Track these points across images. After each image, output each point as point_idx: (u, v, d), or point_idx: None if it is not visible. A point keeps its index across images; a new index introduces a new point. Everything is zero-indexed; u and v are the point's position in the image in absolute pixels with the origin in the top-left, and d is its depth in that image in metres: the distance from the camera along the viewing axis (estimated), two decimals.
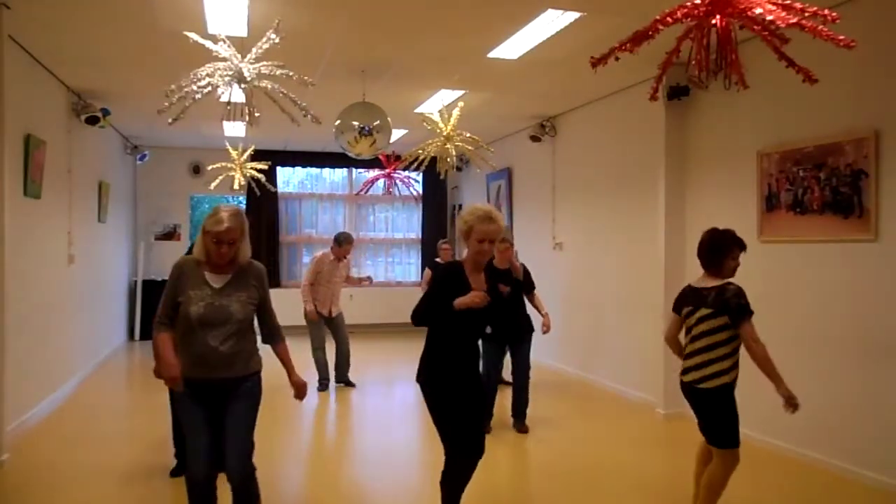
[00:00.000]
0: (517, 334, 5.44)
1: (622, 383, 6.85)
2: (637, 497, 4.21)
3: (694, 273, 5.91)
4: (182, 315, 2.97)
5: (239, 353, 3.00)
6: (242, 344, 3.02)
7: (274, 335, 3.19)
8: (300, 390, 3.19)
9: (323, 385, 6.97)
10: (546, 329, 5.43)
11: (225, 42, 4.15)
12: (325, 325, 7.02)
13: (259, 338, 3.18)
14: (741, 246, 3.57)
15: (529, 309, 5.59)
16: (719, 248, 3.56)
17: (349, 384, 7.19)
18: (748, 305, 3.35)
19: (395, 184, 8.59)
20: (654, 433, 5.63)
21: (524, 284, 5.49)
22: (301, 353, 9.63)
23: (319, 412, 6.46)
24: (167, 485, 4.27)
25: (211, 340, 2.93)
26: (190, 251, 3.23)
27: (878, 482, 4.16)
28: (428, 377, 3.29)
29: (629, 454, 4.96)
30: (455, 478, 3.32)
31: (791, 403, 3.27)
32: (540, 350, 8.29)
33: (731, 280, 3.49)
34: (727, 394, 3.41)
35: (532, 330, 5.54)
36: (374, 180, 8.75)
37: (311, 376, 6.57)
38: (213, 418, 2.99)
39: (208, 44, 4.06)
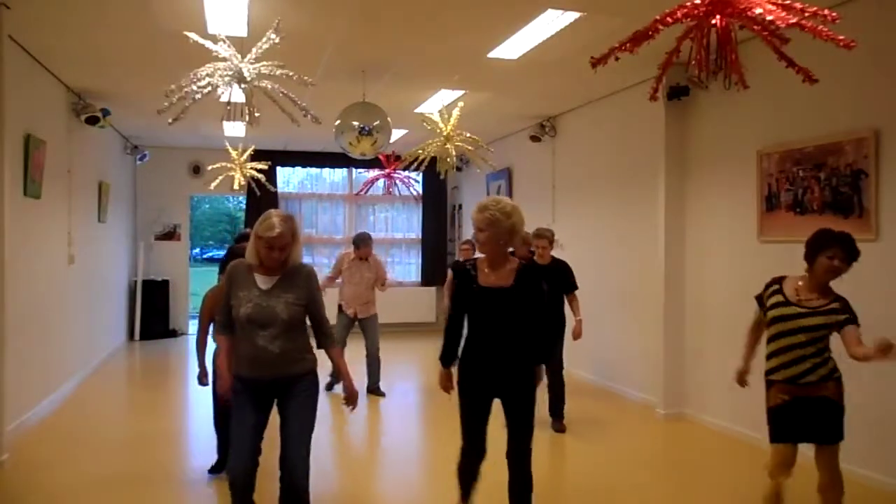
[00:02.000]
0: (551, 331, 5.30)
1: (622, 383, 6.86)
2: (637, 496, 4.22)
3: (694, 273, 5.93)
4: (234, 317, 3.07)
5: (289, 352, 3.05)
6: (293, 343, 3.07)
7: (324, 338, 3.21)
8: (352, 398, 3.20)
9: (329, 385, 6.81)
10: (575, 335, 5.44)
11: (225, 42, 4.14)
12: (352, 326, 6.88)
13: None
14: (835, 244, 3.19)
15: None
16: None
17: (378, 393, 6.85)
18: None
19: (395, 184, 8.58)
20: (654, 433, 5.63)
21: (563, 284, 5.48)
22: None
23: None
24: (167, 484, 4.28)
25: (260, 340, 3.01)
26: (231, 255, 3.28)
27: (878, 482, 4.16)
28: (458, 371, 3.32)
29: (629, 454, 4.96)
30: (461, 471, 3.36)
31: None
32: None
33: None
34: None
35: (562, 330, 5.51)
36: (374, 180, 8.75)
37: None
38: (263, 419, 3.10)
39: (208, 44, 4.06)
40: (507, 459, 3.21)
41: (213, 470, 4.43)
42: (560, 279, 5.47)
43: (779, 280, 3.35)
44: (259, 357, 3.02)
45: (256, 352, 3.01)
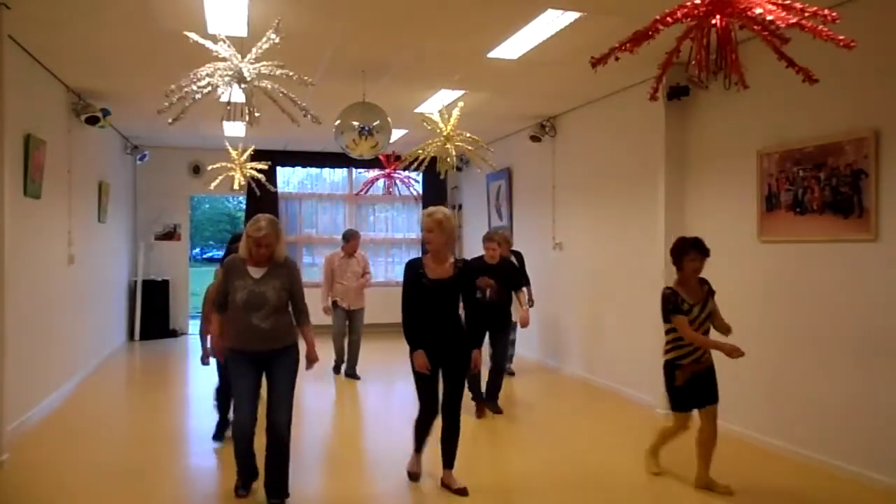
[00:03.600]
0: (496, 324, 5.86)
1: (622, 383, 6.85)
2: (636, 496, 4.21)
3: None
4: (231, 302, 3.79)
5: (277, 329, 3.79)
6: (280, 321, 3.81)
7: (300, 317, 3.93)
8: (310, 362, 3.96)
9: (336, 368, 7.71)
10: (521, 323, 5.99)
11: (225, 42, 4.15)
12: (347, 317, 7.65)
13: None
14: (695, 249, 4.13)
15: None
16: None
17: (354, 377, 7.60)
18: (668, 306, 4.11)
19: (395, 184, 8.59)
20: (654, 433, 5.62)
21: (508, 281, 5.91)
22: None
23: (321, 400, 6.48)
24: (167, 484, 4.28)
25: (254, 320, 3.73)
26: (228, 254, 4.32)
27: (878, 482, 4.16)
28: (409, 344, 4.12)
29: (629, 454, 4.95)
30: (418, 427, 4.22)
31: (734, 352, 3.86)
32: (540, 350, 8.33)
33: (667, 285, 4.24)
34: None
35: (508, 321, 5.96)
36: (374, 180, 8.75)
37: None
38: (258, 380, 3.87)
39: (208, 44, 4.06)
40: (442, 412, 4.11)
41: (216, 437, 5.12)
42: (505, 277, 5.90)
43: (675, 289, 4.14)
44: (254, 334, 3.74)
45: (252, 329, 3.73)
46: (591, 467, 4.70)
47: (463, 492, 4.05)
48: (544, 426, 5.84)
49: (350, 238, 7.70)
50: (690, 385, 4.11)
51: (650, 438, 4.59)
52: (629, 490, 4.31)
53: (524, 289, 5.99)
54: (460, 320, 4.20)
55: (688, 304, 4.07)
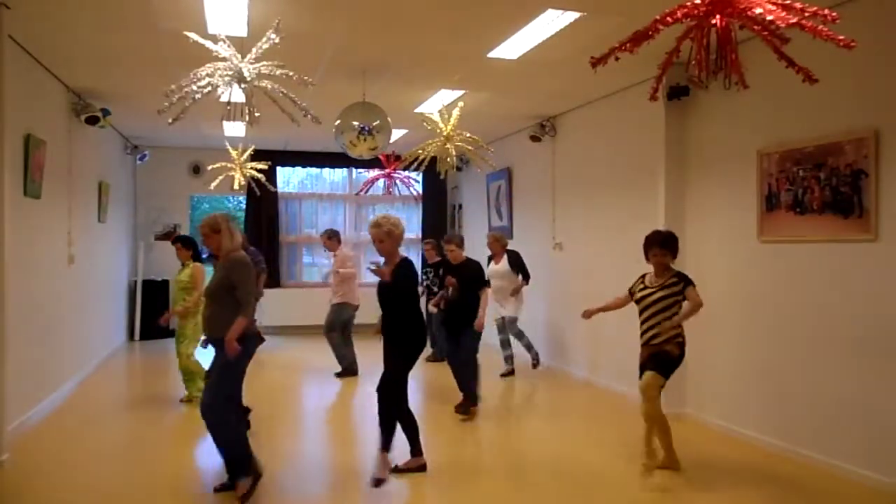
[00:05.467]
0: (458, 320, 6.13)
1: (623, 384, 6.84)
2: (635, 495, 4.22)
3: (694, 273, 5.92)
4: None
5: (211, 319, 4.09)
6: (213, 312, 4.08)
7: (239, 307, 4.02)
8: (228, 346, 3.95)
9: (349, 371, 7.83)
10: (475, 326, 6.09)
11: (225, 42, 4.15)
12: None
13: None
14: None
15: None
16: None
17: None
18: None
19: (395, 184, 8.59)
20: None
21: (470, 281, 6.14)
22: (305, 351, 9.56)
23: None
24: (166, 484, 4.28)
25: (206, 309, 4.16)
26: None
27: (878, 482, 4.16)
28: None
29: (629, 453, 4.95)
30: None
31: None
32: (540, 350, 8.31)
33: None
34: None
35: (471, 321, 6.07)
36: (374, 180, 8.75)
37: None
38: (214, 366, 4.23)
39: (208, 44, 4.06)
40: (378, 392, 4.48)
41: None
42: (467, 277, 6.16)
43: (643, 276, 4.65)
44: (205, 321, 4.14)
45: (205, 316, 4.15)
46: (590, 466, 4.70)
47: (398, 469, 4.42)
48: (543, 426, 5.84)
49: (334, 236, 8.09)
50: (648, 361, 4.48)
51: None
52: (628, 491, 4.31)
53: (486, 290, 6.22)
54: (406, 318, 4.45)
55: (643, 285, 4.55)
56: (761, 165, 5.07)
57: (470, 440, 5.52)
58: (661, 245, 4.52)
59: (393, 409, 4.45)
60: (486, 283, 6.33)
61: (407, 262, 4.49)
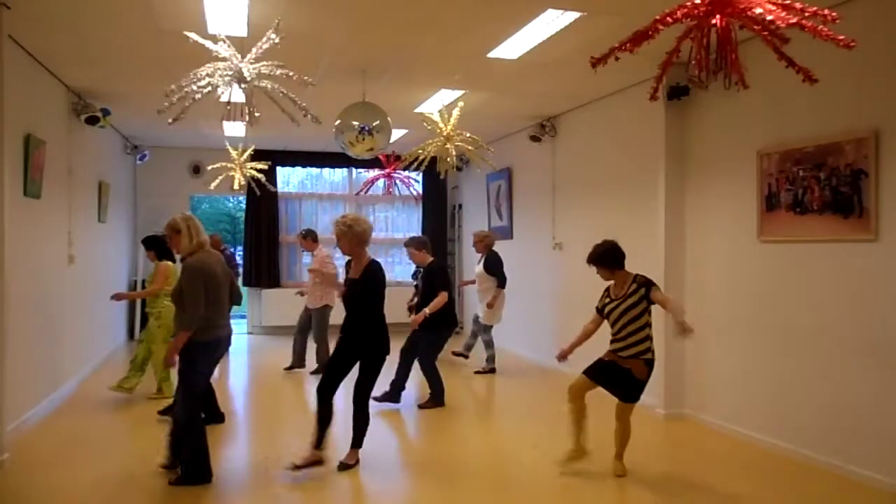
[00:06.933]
0: (423, 326, 6.19)
1: None
2: (636, 496, 4.21)
3: (694, 273, 5.93)
4: None
5: (176, 321, 4.17)
6: (179, 316, 4.14)
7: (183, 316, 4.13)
8: (168, 358, 4.18)
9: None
10: (413, 322, 6.20)
11: (225, 42, 4.14)
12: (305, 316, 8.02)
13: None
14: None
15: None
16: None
17: (317, 372, 7.61)
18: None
19: (395, 184, 8.59)
20: (654, 433, 5.63)
21: (431, 283, 6.22)
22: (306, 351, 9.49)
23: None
24: (166, 484, 4.27)
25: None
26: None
27: (878, 482, 4.16)
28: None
29: (629, 454, 4.95)
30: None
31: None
32: (541, 350, 8.32)
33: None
34: None
35: (433, 323, 6.13)
36: (374, 180, 8.75)
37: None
38: None
39: (208, 44, 4.06)
40: (353, 398, 4.55)
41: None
42: (426, 279, 6.31)
43: (606, 288, 4.54)
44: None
45: None
46: (590, 466, 4.70)
47: (343, 466, 4.51)
48: (543, 426, 5.83)
49: (309, 237, 7.97)
50: (605, 367, 4.50)
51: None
52: (627, 491, 4.30)
53: (443, 293, 6.17)
54: (367, 322, 4.49)
55: (609, 298, 4.46)
56: (761, 165, 5.07)
57: (470, 440, 5.52)
58: (594, 262, 4.49)
59: (365, 412, 4.59)
60: (443, 287, 6.23)
61: (375, 266, 4.52)
